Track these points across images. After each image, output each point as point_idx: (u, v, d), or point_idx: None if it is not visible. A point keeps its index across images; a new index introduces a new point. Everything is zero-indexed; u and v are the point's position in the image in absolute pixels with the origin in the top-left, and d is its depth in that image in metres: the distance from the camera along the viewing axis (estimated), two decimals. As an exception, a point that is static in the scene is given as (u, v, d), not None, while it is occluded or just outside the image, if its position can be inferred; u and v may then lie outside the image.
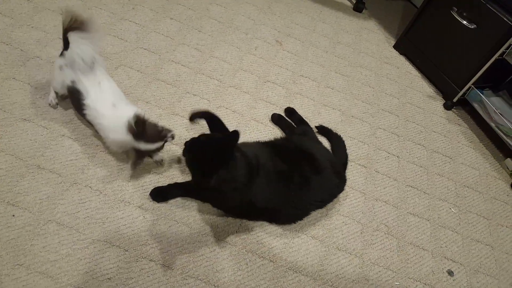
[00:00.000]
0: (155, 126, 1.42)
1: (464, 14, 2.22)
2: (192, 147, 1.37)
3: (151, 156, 1.58)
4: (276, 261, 1.46)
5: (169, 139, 1.46)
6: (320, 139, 1.88)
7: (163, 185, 1.53)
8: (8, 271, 1.20)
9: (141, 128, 1.35)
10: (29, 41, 1.86)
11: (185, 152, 1.40)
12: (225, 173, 1.28)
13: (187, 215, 1.49)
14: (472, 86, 2.26)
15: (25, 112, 1.60)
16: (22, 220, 1.32)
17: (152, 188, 1.51)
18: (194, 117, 1.56)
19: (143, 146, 1.38)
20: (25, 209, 1.34)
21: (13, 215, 1.32)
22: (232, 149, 1.31)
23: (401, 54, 2.74)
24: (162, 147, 1.48)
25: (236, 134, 1.27)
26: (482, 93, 2.23)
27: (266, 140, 1.66)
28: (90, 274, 1.26)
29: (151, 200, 1.49)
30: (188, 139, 1.40)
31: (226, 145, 1.31)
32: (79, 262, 1.28)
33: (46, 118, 1.60)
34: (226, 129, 1.56)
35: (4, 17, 1.93)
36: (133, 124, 1.34)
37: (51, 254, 1.27)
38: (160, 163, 1.60)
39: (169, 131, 1.45)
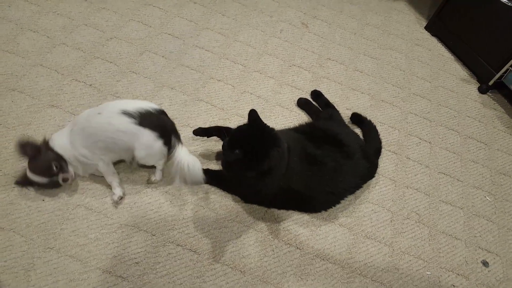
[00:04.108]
0: (49, 160, 1.26)
1: (503, -10, 2.09)
2: (236, 137, 1.30)
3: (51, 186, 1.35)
4: (303, 248, 1.43)
5: (60, 179, 1.28)
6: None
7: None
8: (40, 254, 1.23)
9: (29, 151, 1.25)
10: (55, 28, 1.88)
11: (229, 143, 1.30)
12: (277, 154, 1.23)
13: (213, 201, 1.48)
14: (510, 68, 2.14)
15: (53, 99, 1.61)
16: (52, 205, 1.34)
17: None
18: (198, 134, 1.56)
19: (27, 172, 1.27)
20: (54, 194, 1.36)
21: (43, 200, 1.34)
22: (275, 134, 1.27)
23: (433, 35, 2.61)
24: (50, 184, 1.30)
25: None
26: (522, 76, 2.11)
27: (292, 126, 1.63)
28: (118, 258, 1.27)
29: None
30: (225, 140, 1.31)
31: (268, 130, 1.27)
32: (107, 246, 1.29)
33: (73, 104, 1.61)
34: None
35: (30, 4, 1.94)
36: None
37: (80, 238, 1.29)
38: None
39: (66, 171, 1.28)
